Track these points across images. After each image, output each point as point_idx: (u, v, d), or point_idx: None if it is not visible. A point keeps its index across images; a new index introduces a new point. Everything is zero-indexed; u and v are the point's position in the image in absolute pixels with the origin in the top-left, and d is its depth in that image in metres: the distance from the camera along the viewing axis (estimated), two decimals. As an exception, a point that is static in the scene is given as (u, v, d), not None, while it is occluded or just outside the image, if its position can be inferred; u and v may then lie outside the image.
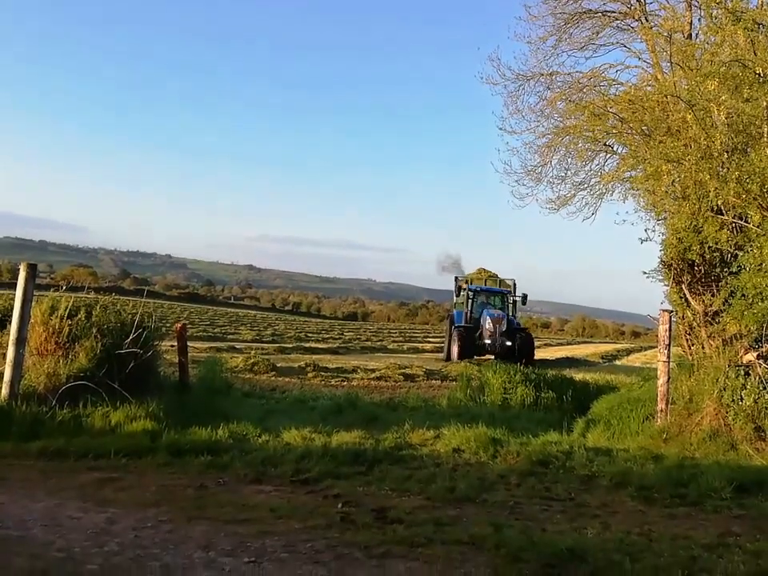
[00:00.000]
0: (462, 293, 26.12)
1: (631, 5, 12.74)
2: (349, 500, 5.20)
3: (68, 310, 7.86)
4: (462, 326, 24.35)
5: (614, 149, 13.07)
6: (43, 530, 4.31)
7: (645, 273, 10.54)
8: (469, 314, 24.94)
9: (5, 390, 7.00)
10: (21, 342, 7.12)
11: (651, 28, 12.03)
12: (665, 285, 10.38)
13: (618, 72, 13.29)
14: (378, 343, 33.05)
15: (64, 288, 8.53)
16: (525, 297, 25.94)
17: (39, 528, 4.34)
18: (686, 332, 10.08)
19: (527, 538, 4.37)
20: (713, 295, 9.24)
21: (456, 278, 28.40)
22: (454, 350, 23.54)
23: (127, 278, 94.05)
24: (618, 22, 13.18)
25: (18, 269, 7.39)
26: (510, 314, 25.37)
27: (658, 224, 10.75)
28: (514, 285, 27.98)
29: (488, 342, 23.15)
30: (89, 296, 9.00)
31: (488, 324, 23.36)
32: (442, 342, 36.58)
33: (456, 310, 26.15)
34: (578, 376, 14.82)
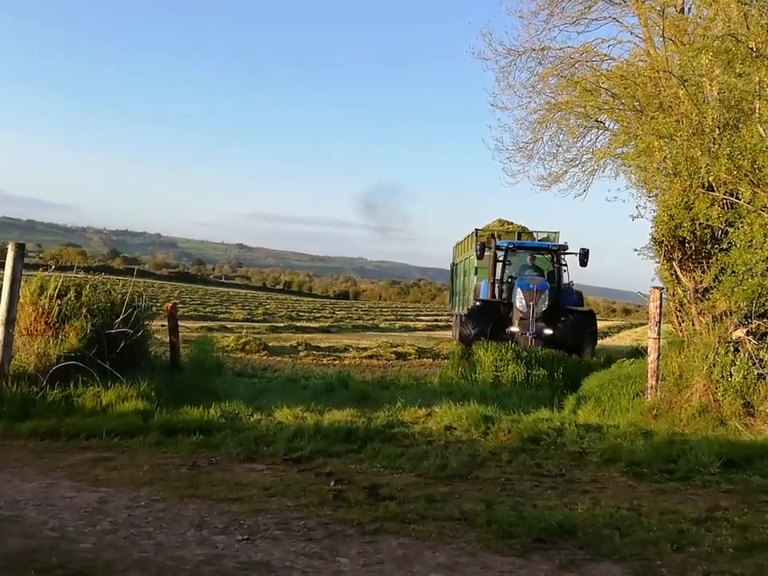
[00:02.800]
0: (486, 252, 16.57)
1: (624, -23, 12.64)
2: (341, 478, 5.23)
3: (57, 290, 7.80)
4: (486, 300, 15.96)
5: (606, 125, 13.06)
6: (36, 509, 4.31)
7: (636, 250, 10.58)
8: (498, 285, 16.17)
9: (-6, 371, 6.96)
10: (10, 322, 7.07)
11: (644, 2, 11.93)
12: (656, 262, 10.43)
13: (610, 47, 13.25)
14: (370, 322, 33.10)
15: (53, 268, 8.47)
16: (585, 254, 15.70)
17: (32, 508, 4.34)
18: (676, 309, 10.15)
19: (518, 513, 4.41)
20: (703, 272, 9.28)
21: (476, 230, 19.77)
22: (461, 334, 16.11)
23: (117, 258, 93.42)
24: (611, -5, 13.07)
25: (6, 248, 7.31)
26: (562, 281, 16.31)
27: (650, 201, 10.79)
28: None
29: (515, 329, 14.59)
30: (78, 276, 8.94)
31: (518, 300, 14.81)
32: (434, 321, 36.57)
33: (484, 281, 17.15)
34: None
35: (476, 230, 20.03)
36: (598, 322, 16.73)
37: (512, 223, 21.17)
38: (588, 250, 15.71)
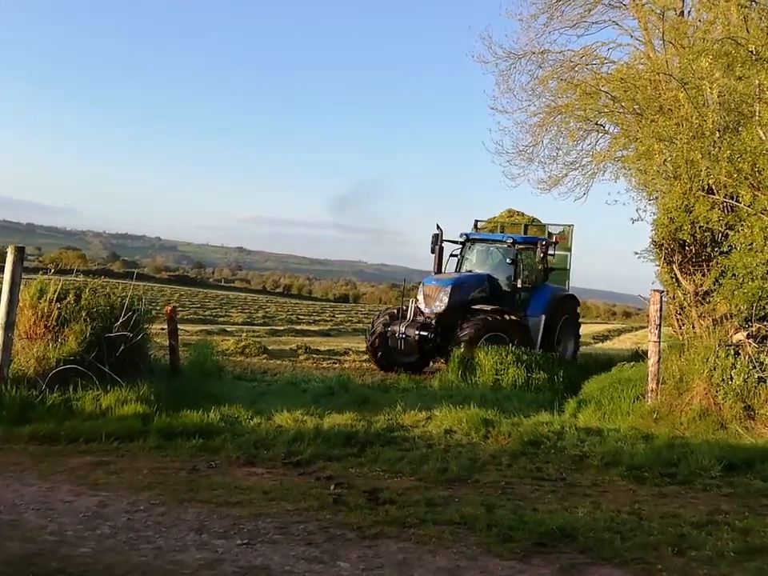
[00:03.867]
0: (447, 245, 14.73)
1: (623, -19, 12.68)
2: (341, 481, 5.22)
3: (57, 294, 7.78)
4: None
5: (606, 128, 13.08)
6: (35, 513, 4.31)
7: (636, 253, 10.60)
8: None
9: (-6, 375, 6.95)
10: (9, 326, 7.06)
11: (643, 5, 11.96)
12: (656, 265, 10.45)
13: (610, 50, 13.27)
14: (370, 325, 32.97)
15: (52, 271, 8.45)
16: (545, 247, 13.49)
17: (31, 512, 4.33)
18: (676, 312, 10.16)
19: (518, 517, 4.41)
20: (703, 275, 9.29)
21: (476, 222, 17.10)
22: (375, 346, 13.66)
23: (116, 261, 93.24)
24: (610, -2, 13.10)
25: (6, 252, 7.31)
26: (522, 279, 13.74)
27: (650, 204, 10.81)
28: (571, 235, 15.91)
29: (390, 329, 13.23)
30: (78, 279, 8.92)
31: (419, 298, 13.38)
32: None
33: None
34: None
35: (476, 221, 17.61)
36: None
37: (523, 214, 18.56)
38: (549, 242, 13.67)
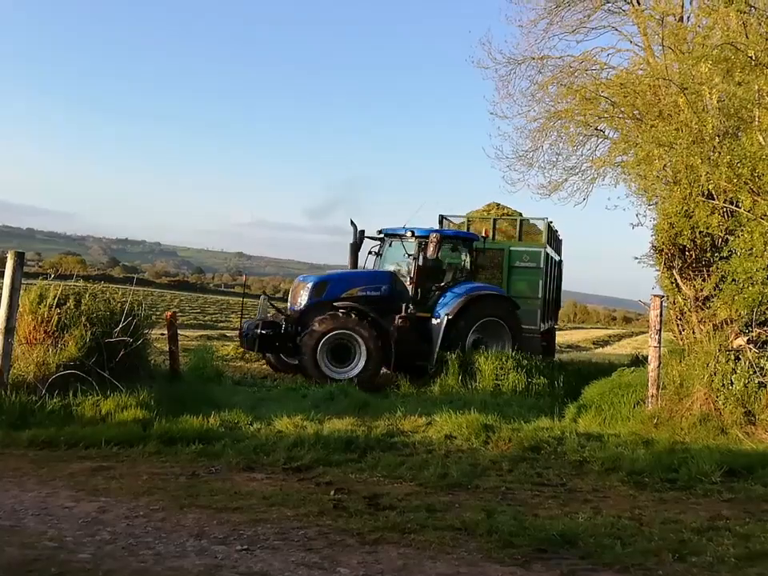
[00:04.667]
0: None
1: (623, -14, 12.73)
2: (341, 487, 5.21)
3: (57, 299, 7.79)
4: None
5: (606, 133, 13.09)
6: (35, 519, 4.29)
7: (636, 258, 10.60)
8: None
9: (-6, 380, 6.95)
10: (9, 331, 7.05)
11: (643, 11, 12.01)
12: (656, 270, 10.44)
13: (610, 56, 13.31)
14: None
15: (52, 276, 8.46)
16: (436, 243, 12.06)
17: (31, 517, 4.32)
18: (676, 317, 10.15)
19: (519, 523, 4.39)
20: (704, 280, 9.29)
21: (441, 217, 15.91)
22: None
23: (116, 266, 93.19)
24: (610, 4, 13.17)
25: (6, 257, 7.31)
26: (434, 277, 12.79)
27: (650, 209, 10.82)
28: (550, 230, 15.15)
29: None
30: (77, 284, 8.92)
31: (289, 296, 13.27)
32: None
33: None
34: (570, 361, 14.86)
35: (441, 216, 16.06)
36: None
37: (505, 208, 17.09)
38: (437, 237, 12.12)
